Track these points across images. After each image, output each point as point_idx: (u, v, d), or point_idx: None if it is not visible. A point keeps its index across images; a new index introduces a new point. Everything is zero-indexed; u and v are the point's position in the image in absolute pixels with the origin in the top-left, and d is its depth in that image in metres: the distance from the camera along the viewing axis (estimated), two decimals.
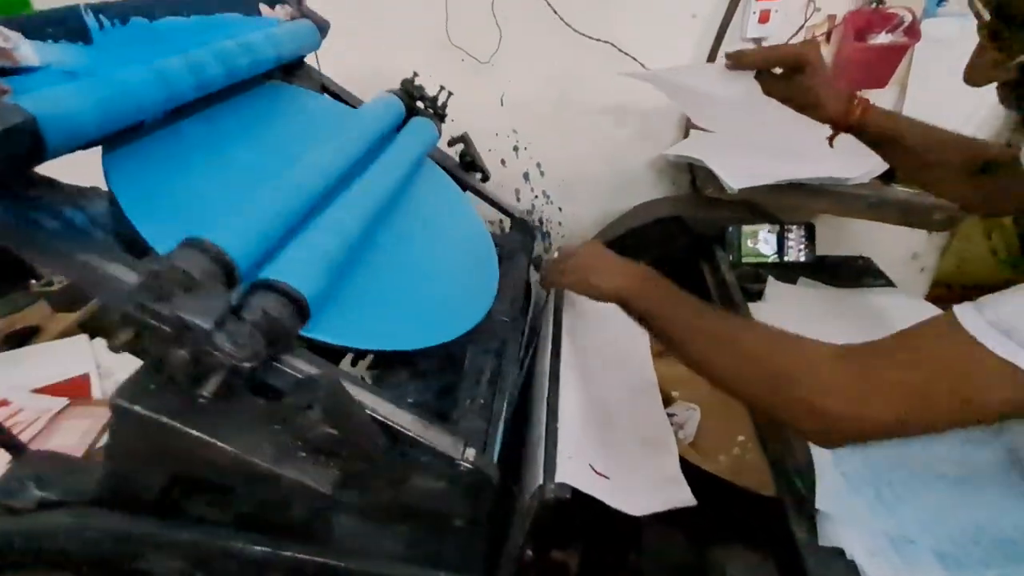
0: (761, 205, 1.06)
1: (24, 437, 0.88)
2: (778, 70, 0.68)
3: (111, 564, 0.51)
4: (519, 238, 0.87)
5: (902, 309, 0.85)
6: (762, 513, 0.60)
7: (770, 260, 0.99)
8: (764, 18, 1.07)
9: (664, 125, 1.23)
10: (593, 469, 0.52)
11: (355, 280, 0.55)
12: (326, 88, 0.83)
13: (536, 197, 1.36)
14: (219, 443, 0.41)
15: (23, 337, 1.12)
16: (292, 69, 0.79)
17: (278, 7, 0.77)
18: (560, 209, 1.37)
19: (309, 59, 1.23)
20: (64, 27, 0.48)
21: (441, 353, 0.63)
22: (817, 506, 0.55)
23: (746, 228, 0.99)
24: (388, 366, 0.66)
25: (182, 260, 0.38)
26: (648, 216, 1.10)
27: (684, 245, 1.05)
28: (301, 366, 0.43)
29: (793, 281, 0.95)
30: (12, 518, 0.51)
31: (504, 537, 0.54)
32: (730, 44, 1.11)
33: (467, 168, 0.91)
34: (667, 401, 0.79)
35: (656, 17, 1.11)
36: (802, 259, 0.99)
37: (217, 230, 0.43)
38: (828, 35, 1.09)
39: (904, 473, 0.58)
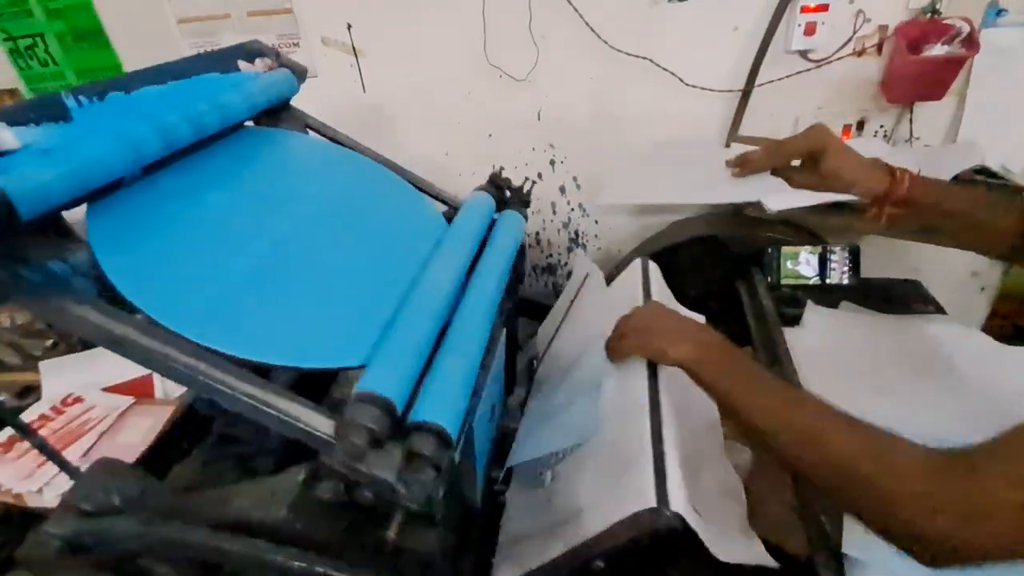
0: (803, 225, 1.04)
1: (95, 432, 0.97)
2: (796, 162, 0.64)
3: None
4: None
5: (951, 338, 0.81)
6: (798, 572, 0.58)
7: (811, 282, 0.96)
8: (810, 30, 1.04)
9: (704, 140, 1.21)
10: (691, 504, 0.49)
11: (308, 293, 0.59)
12: (309, 126, 0.88)
13: (572, 210, 1.37)
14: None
15: None
16: (277, 112, 0.85)
17: (257, 60, 0.82)
18: (596, 222, 1.37)
19: (354, 82, 1.28)
20: (46, 111, 0.54)
21: None
22: (844, 550, 0.54)
23: (786, 249, 0.96)
24: None
25: (362, 416, 0.46)
26: (684, 234, 1.08)
27: (720, 265, 1.03)
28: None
29: (835, 305, 0.92)
30: (84, 519, 0.57)
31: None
32: (773, 58, 1.08)
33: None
34: None
35: (695, 30, 1.09)
36: (845, 282, 0.95)
37: (378, 377, 0.50)
38: (879, 47, 1.04)
39: None
